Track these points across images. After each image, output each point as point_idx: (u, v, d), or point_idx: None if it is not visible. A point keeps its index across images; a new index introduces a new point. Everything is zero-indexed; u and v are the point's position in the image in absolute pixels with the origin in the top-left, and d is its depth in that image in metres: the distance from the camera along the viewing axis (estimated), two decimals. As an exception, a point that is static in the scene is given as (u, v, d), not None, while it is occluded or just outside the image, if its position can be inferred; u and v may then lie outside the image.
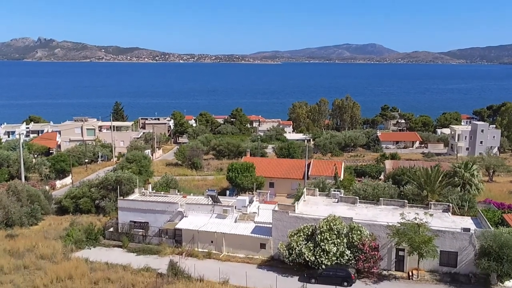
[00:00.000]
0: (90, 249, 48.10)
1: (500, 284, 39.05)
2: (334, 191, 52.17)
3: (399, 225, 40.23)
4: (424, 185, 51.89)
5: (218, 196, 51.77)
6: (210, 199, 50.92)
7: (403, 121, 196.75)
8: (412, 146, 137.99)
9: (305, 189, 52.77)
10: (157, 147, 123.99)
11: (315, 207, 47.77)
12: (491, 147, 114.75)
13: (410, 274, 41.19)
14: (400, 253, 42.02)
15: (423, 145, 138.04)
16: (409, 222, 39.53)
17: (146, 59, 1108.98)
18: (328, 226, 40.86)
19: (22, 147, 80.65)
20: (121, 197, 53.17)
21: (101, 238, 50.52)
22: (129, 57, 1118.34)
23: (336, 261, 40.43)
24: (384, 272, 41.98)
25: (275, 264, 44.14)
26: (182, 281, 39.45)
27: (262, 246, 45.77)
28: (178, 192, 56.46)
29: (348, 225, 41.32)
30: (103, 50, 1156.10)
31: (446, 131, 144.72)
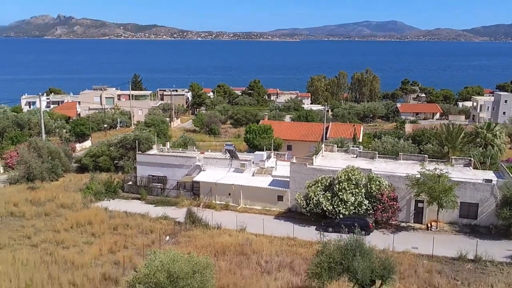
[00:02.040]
0: (109, 200, 48.75)
1: (522, 235, 38.36)
2: (353, 147, 51.58)
3: (418, 175, 39.66)
4: (445, 141, 50.97)
5: (236, 151, 51.65)
6: (228, 153, 50.87)
7: (423, 95, 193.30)
8: (433, 118, 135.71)
9: (323, 145, 52.30)
10: (175, 117, 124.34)
11: (333, 161, 47.33)
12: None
13: (429, 225, 40.77)
14: (419, 204, 41.55)
15: (443, 117, 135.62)
16: (429, 171, 38.91)
17: (164, 37, 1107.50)
18: (346, 176, 40.50)
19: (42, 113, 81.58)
20: (140, 152, 53.43)
21: (120, 191, 51.14)
22: (147, 35, 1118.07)
23: (354, 210, 40.18)
24: (403, 224, 41.65)
25: (292, 215, 44.16)
26: (199, 228, 39.75)
27: (280, 198, 45.74)
28: (195, 149, 56.50)
29: (367, 176, 40.89)
30: (121, 28, 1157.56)
31: (468, 104, 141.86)
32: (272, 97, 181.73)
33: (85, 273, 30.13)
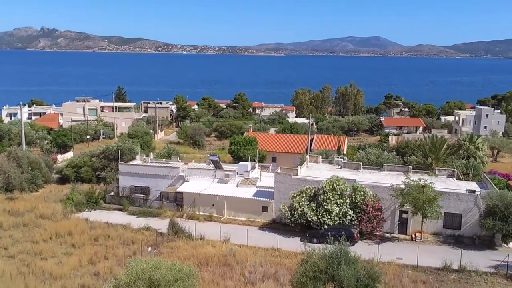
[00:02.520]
0: (90, 211, 47.75)
1: (505, 245, 38.56)
2: (337, 158, 51.56)
3: (403, 186, 39.69)
4: (429, 152, 51.28)
5: (220, 162, 51.22)
6: (212, 164, 50.41)
7: (406, 109, 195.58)
8: (416, 132, 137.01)
9: (308, 156, 52.19)
10: (159, 129, 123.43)
11: (318, 172, 47.21)
12: (495, 130, 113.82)
13: (413, 236, 40.71)
14: (404, 215, 41.52)
15: (426, 131, 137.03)
16: (413, 181, 38.96)
17: (149, 50, 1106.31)
18: (331, 187, 40.33)
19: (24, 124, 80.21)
20: (122, 162, 52.67)
21: (101, 202, 50.19)
22: (132, 48, 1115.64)
23: (338, 221, 39.95)
24: (387, 235, 41.53)
25: (276, 226, 43.75)
26: (182, 239, 39.07)
27: (264, 209, 45.33)
28: (179, 159, 55.92)
29: (351, 186, 40.79)
30: (106, 40, 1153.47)
31: (450, 118, 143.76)
32: (257, 111, 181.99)
33: (63, 284, 29.25)
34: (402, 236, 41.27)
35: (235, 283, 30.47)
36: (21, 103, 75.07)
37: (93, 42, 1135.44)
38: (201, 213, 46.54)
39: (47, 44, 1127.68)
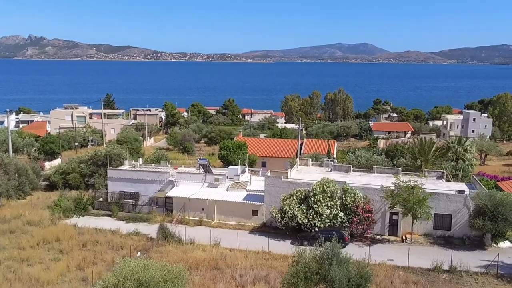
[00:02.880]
0: (78, 217, 47.12)
1: (495, 245, 38.68)
2: (327, 161, 51.56)
3: (393, 187, 39.74)
4: (418, 154, 51.48)
5: (210, 166, 50.96)
6: (202, 168, 50.13)
7: (395, 114, 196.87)
8: (404, 136, 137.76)
9: (297, 159, 52.12)
10: (148, 136, 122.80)
11: (308, 175, 47.11)
12: (483, 134, 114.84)
13: (404, 238, 40.71)
14: (394, 217, 41.54)
15: (415, 135, 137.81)
16: (403, 183, 39.02)
17: (138, 58, 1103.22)
18: (321, 189, 40.24)
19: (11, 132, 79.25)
20: (111, 167, 52.16)
21: (90, 208, 49.63)
22: (120, 56, 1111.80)
23: (329, 223, 39.84)
24: (378, 237, 41.48)
25: (267, 230, 43.54)
26: (172, 244, 38.68)
27: (254, 212, 45.11)
28: (169, 164, 55.56)
29: (342, 188, 40.74)
30: (94, 49, 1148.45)
31: (438, 122, 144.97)
32: (247, 117, 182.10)
33: (51, 290, 28.74)
34: (392, 238, 41.27)
35: (226, 286, 30.17)
36: (7, 110, 74.22)
37: (82, 50, 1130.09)
38: (191, 218, 46.18)
39: (34, 52, 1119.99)
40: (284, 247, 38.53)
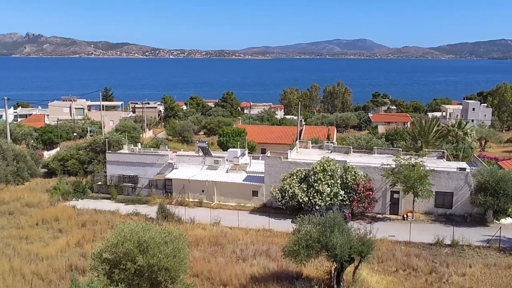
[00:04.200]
0: (77, 200, 46.86)
1: (496, 221, 38.54)
2: (327, 143, 51.31)
3: (394, 165, 39.51)
4: (418, 136, 51.23)
5: (209, 149, 50.69)
6: (201, 151, 49.86)
7: (394, 107, 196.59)
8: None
9: (297, 142, 51.87)
10: (147, 129, 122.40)
11: (308, 156, 46.85)
12: (483, 122, 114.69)
13: (405, 216, 40.50)
14: (395, 196, 41.35)
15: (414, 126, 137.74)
16: (404, 160, 38.80)
17: (136, 55, 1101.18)
18: (322, 167, 40.00)
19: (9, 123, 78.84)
20: (110, 151, 51.88)
21: (89, 191, 49.34)
22: (119, 53, 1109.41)
23: (330, 201, 39.61)
24: (379, 216, 41.29)
25: (267, 210, 43.28)
26: (172, 223, 38.37)
27: (254, 193, 44.91)
28: (168, 148, 55.26)
29: (342, 167, 40.50)
30: (92, 46, 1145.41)
31: (437, 114, 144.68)
32: (246, 110, 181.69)
33: (50, 264, 28.49)
34: (393, 217, 41.07)
35: (227, 260, 29.95)
36: (5, 98, 73.61)
37: (80, 48, 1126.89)
38: (190, 200, 45.95)
39: (32, 50, 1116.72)
40: (285, 226, 38.23)
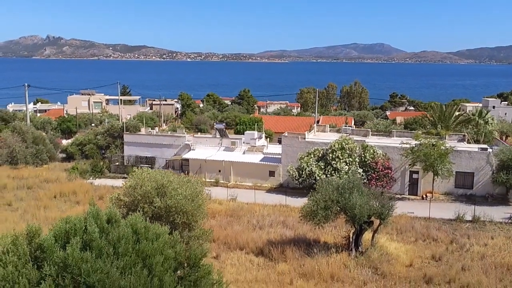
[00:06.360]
0: (94, 179, 47.14)
1: (519, 201, 37.63)
2: (345, 126, 50.84)
3: (413, 144, 38.95)
4: (438, 121, 50.48)
5: (226, 130, 50.63)
6: (218, 132, 49.82)
7: (412, 107, 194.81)
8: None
9: (315, 125, 51.50)
10: (164, 124, 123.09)
11: (325, 137, 46.45)
12: (504, 119, 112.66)
13: (424, 196, 39.87)
14: (414, 176, 40.74)
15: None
16: (424, 138, 38.21)
17: (153, 57, 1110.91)
18: (340, 145, 39.63)
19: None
20: (128, 132, 52.17)
21: (106, 171, 49.64)
22: (136, 55, 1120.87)
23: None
24: (397, 196, 40.59)
25: (283, 189, 42.97)
26: (189, 198, 38.33)
27: (271, 174, 44.67)
28: (185, 132, 55.37)
29: (361, 145, 40.06)
30: (110, 48, 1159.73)
31: (456, 113, 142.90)
32: (262, 109, 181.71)
33: (68, 227, 28.56)
34: (412, 197, 40.48)
35: (244, 228, 29.76)
36: (25, 84, 74.64)
37: (98, 50, 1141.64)
38: (207, 180, 45.83)
39: (52, 52, 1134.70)
40: (302, 203, 37.75)
